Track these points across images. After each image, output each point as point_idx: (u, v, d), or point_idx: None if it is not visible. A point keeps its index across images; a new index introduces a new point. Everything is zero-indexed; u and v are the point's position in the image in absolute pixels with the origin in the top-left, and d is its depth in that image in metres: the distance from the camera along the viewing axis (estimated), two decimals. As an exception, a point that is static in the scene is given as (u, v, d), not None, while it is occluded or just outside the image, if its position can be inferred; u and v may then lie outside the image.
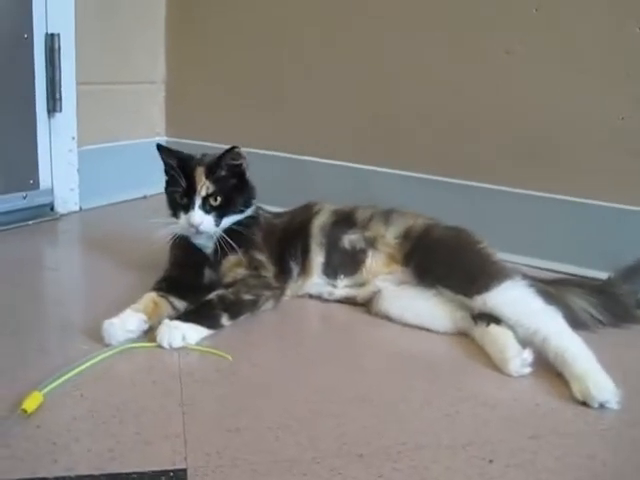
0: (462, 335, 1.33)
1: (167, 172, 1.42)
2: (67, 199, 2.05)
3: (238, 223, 1.41)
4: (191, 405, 1.03)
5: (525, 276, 1.35)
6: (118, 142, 2.22)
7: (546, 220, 1.76)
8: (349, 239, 1.46)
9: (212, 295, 1.31)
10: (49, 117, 1.96)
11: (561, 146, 1.72)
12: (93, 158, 2.12)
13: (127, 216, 2.11)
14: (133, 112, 2.29)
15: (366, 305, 1.44)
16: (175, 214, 1.41)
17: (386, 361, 1.24)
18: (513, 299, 1.26)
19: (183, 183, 1.37)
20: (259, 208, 1.50)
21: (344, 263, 1.45)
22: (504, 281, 1.28)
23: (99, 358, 1.14)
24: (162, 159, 1.42)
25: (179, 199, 1.38)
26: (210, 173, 1.37)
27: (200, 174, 1.36)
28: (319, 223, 1.49)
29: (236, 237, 1.37)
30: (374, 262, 1.43)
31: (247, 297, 1.33)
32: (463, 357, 1.25)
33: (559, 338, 1.17)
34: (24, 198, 1.93)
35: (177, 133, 2.37)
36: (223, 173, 1.38)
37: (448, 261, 1.37)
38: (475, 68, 1.82)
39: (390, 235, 1.45)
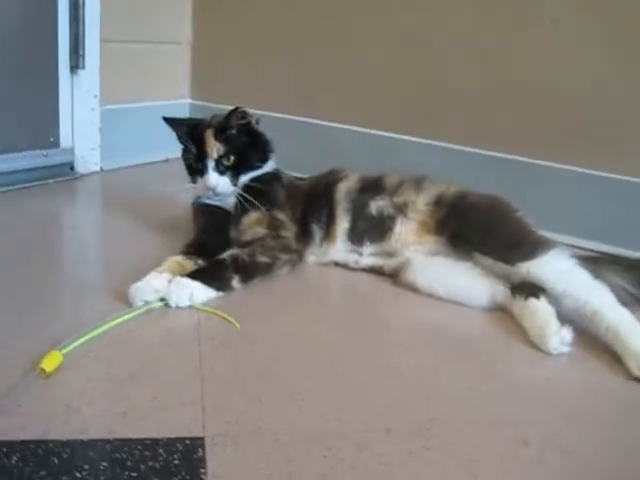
0: (497, 311, 1.26)
1: (180, 140, 1.42)
2: (87, 159, 2.00)
3: (258, 179, 1.40)
4: (210, 370, 0.98)
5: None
6: (141, 103, 2.16)
7: (583, 197, 1.68)
8: (377, 205, 1.40)
9: (225, 255, 1.26)
10: (71, 74, 1.91)
11: (603, 121, 1.64)
12: (115, 118, 2.06)
13: (148, 179, 2.05)
14: (157, 73, 2.22)
15: (393, 276, 1.37)
16: (193, 179, 1.40)
17: (415, 335, 1.18)
18: (561, 269, 1.20)
19: (194, 149, 1.37)
20: (279, 170, 1.47)
21: (370, 229, 1.39)
22: (550, 250, 1.23)
23: (120, 320, 1.09)
24: (172, 130, 1.42)
25: (194, 164, 1.38)
26: (219, 134, 1.36)
27: (209, 137, 1.36)
28: (345, 188, 1.43)
29: (257, 194, 1.35)
30: (403, 229, 1.37)
31: (262, 259, 1.29)
32: (497, 332, 1.19)
33: (612, 312, 1.12)
34: (44, 156, 1.88)
35: (202, 96, 2.31)
36: (233, 132, 1.37)
37: (487, 226, 1.31)
38: (519, 38, 1.73)
39: (421, 201, 1.38)
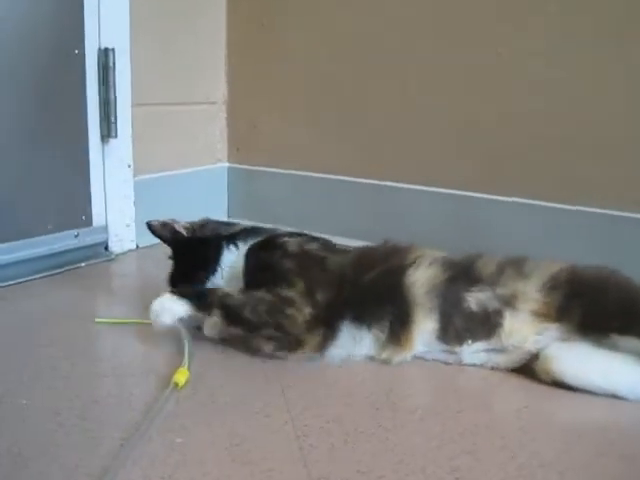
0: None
1: None
2: (123, 236, 1.80)
3: (254, 247, 1.26)
4: None
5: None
6: (176, 170, 1.97)
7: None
8: (476, 298, 1.15)
9: (221, 291, 1.19)
10: (102, 143, 1.71)
11: None
12: (150, 189, 1.86)
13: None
14: (192, 136, 2.03)
15: (517, 370, 1.15)
16: None
17: (568, 446, 0.94)
18: None
19: None
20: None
21: (472, 327, 1.15)
22: None
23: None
24: None
25: None
26: None
27: None
28: (425, 280, 1.17)
29: (257, 270, 1.23)
30: (515, 323, 1.13)
31: (247, 316, 1.15)
32: None
33: None
34: (75, 237, 1.68)
35: (240, 159, 2.11)
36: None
37: (624, 303, 1.10)
38: (607, 74, 1.52)
39: (532, 289, 1.14)
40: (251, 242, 1.28)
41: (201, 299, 1.17)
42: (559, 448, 0.94)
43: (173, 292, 1.18)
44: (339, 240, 1.80)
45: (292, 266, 1.20)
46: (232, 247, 1.29)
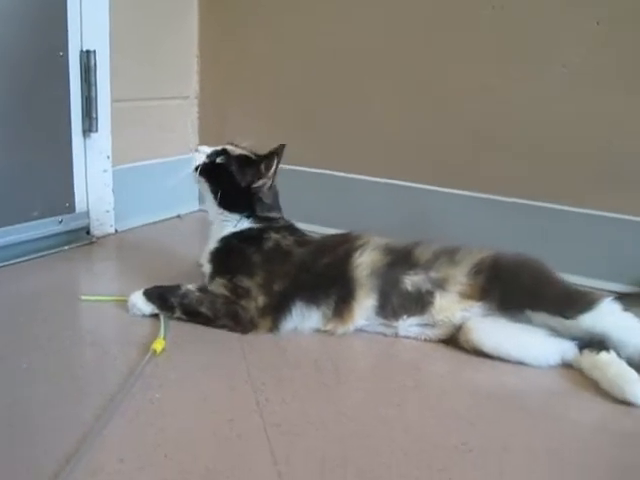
0: (562, 368, 1.26)
1: None
2: (103, 221, 1.97)
3: (233, 236, 1.43)
4: (286, 464, 0.94)
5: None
6: (151, 160, 2.13)
7: (620, 242, 1.68)
8: (411, 280, 1.35)
9: (184, 288, 1.37)
10: (84, 137, 1.87)
11: (629, 164, 1.64)
12: (127, 177, 2.03)
13: (163, 237, 2.03)
14: (166, 128, 2.19)
15: (445, 341, 1.36)
16: None
17: (480, 404, 1.15)
18: (619, 317, 1.22)
19: None
20: (270, 226, 1.46)
21: (407, 305, 1.34)
22: (603, 300, 1.24)
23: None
24: None
25: None
26: None
27: None
28: (368, 263, 1.36)
29: (227, 255, 1.41)
30: (444, 302, 1.33)
31: (203, 311, 1.35)
32: (564, 391, 1.20)
33: None
34: (60, 222, 1.84)
35: (211, 150, 2.28)
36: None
37: (536, 284, 1.30)
38: (532, 83, 1.73)
39: (460, 273, 1.34)
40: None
41: (164, 301, 1.37)
42: (471, 404, 1.14)
43: (144, 293, 1.39)
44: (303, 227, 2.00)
45: (259, 260, 1.39)
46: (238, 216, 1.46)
